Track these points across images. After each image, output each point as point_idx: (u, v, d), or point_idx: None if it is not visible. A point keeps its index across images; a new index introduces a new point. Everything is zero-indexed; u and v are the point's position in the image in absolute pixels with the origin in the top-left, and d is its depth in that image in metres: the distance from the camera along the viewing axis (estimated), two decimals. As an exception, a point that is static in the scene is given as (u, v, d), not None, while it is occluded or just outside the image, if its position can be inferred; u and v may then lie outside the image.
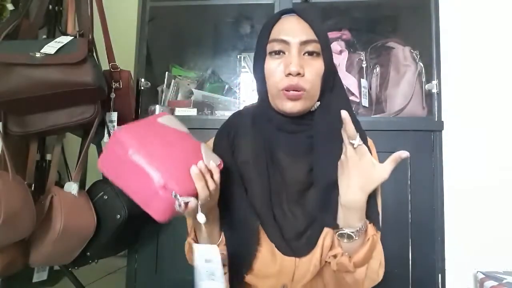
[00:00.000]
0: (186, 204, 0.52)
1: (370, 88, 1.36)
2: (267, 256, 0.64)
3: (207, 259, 0.55)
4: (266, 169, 0.66)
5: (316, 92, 0.64)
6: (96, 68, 1.04)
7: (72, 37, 1.04)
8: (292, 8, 0.67)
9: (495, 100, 1.25)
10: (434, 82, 1.26)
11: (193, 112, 1.36)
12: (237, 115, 0.75)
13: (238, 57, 1.58)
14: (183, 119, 0.81)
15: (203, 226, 0.61)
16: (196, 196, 0.54)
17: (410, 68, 1.30)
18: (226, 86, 1.57)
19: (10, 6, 1.26)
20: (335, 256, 0.63)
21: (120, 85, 1.18)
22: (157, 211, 0.52)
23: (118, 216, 1.09)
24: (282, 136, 0.67)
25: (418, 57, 1.31)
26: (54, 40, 1.00)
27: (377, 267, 0.63)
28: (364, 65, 1.36)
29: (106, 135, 1.17)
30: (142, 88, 1.37)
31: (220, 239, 0.66)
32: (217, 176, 0.57)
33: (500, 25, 1.27)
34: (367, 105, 1.32)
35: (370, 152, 0.59)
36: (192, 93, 1.44)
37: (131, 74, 1.25)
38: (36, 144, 1.12)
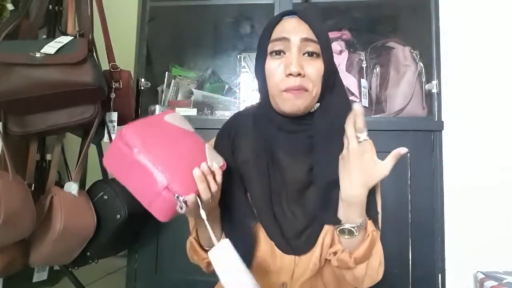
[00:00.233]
0: (186, 203, 0.52)
1: (370, 88, 1.36)
2: (267, 255, 0.65)
3: (226, 257, 0.53)
4: (266, 169, 0.67)
5: (316, 92, 0.64)
6: (96, 68, 1.04)
7: (72, 37, 1.04)
8: (293, 10, 0.67)
9: (495, 100, 1.25)
10: (434, 82, 1.26)
11: (193, 112, 1.36)
12: (238, 115, 0.75)
13: (238, 57, 1.59)
14: (183, 119, 0.81)
15: (206, 223, 0.61)
16: (198, 195, 0.54)
17: (410, 68, 1.30)
18: (226, 86, 1.57)
19: (10, 6, 1.26)
20: (335, 253, 0.63)
21: (120, 85, 1.19)
22: (159, 211, 0.53)
23: (118, 216, 1.09)
24: (282, 136, 0.68)
25: (418, 57, 1.31)
26: (54, 40, 1.00)
27: (377, 266, 0.63)
28: (364, 65, 1.36)
29: (106, 135, 1.17)
30: (142, 88, 1.37)
31: (221, 238, 0.67)
32: (219, 177, 0.58)
33: (500, 25, 1.27)
34: (367, 105, 1.32)
35: None
36: (192, 93, 1.45)
37: (131, 74, 1.25)
38: (36, 144, 1.12)
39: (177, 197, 0.51)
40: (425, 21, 1.30)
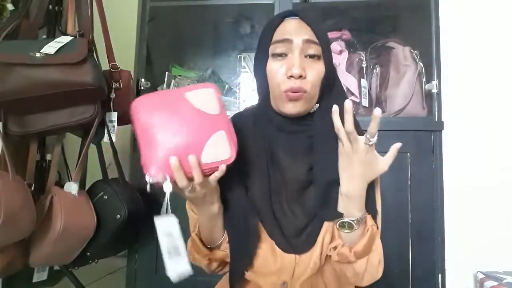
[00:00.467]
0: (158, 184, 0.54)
1: (370, 88, 1.36)
2: (268, 254, 0.65)
3: (168, 232, 0.56)
4: (266, 169, 0.67)
5: (316, 94, 0.65)
6: (96, 68, 1.04)
7: (72, 37, 1.04)
8: (294, 11, 0.68)
9: (495, 100, 1.25)
10: (434, 82, 1.26)
11: (193, 112, 1.36)
12: (238, 115, 0.76)
13: (238, 57, 1.59)
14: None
15: (206, 219, 0.63)
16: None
17: (410, 68, 1.30)
18: (226, 86, 1.57)
19: (10, 6, 1.26)
20: (335, 248, 0.64)
21: (120, 85, 1.19)
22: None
23: (118, 216, 1.09)
24: (282, 136, 0.69)
25: (418, 57, 1.32)
26: (54, 40, 1.00)
27: (376, 263, 0.64)
28: (364, 65, 1.36)
29: (106, 135, 1.17)
30: (142, 88, 1.37)
31: (224, 236, 0.67)
32: (216, 174, 0.56)
33: (500, 25, 1.27)
34: (367, 105, 1.32)
35: None
36: (192, 93, 1.44)
37: (131, 74, 1.25)
38: (36, 144, 1.12)
39: (148, 177, 0.53)
40: (425, 21, 1.31)
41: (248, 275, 0.66)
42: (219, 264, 0.71)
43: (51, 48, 0.96)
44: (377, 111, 0.57)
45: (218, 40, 1.70)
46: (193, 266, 0.73)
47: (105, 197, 1.12)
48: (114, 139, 1.18)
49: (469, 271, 1.19)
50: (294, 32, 0.64)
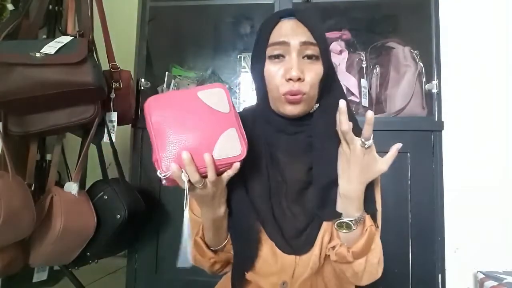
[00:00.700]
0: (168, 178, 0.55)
1: (370, 88, 1.36)
2: (268, 255, 0.65)
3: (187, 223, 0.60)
4: (265, 169, 0.67)
5: (315, 95, 0.65)
6: (96, 68, 1.04)
7: (72, 37, 1.04)
8: (291, 11, 0.67)
9: (495, 100, 1.25)
10: (434, 82, 1.26)
11: (193, 112, 1.36)
12: None
13: (238, 57, 1.58)
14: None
15: (211, 222, 0.63)
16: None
17: (410, 68, 1.30)
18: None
19: (10, 6, 1.26)
20: (333, 247, 0.64)
21: (120, 85, 1.19)
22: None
23: (118, 216, 1.09)
24: (281, 136, 0.68)
25: (418, 57, 1.31)
26: (54, 40, 1.00)
27: (376, 262, 0.64)
28: (364, 65, 1.36)
29: (106, 135, 1.17)
30: (142, 88, 1.37)
31: (227, 238, 0.68)
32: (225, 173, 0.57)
33: (500, 25, 1.27)
34: (367, 105, 1.32)
35: None
36: (192, 93, 1.44)
37: (131, 74, 1.25)
38: (36, 144, 1.12)
39: (160, 174, 0.55)
40: (425, 21, 1.30)
41: (249, 275, 0.66)
42: (222, 265, 0.71)
43: (51, 48, 0.96)
44: (369, 114, 0.55)
45: (218, 40, 1.70)
46: (193, 266, 0.73)
47: (105, 197, 1.12)
48: (114, 139, 1.18)
49: (469, 271, 1.19)
50: (291, 34, 0.63)
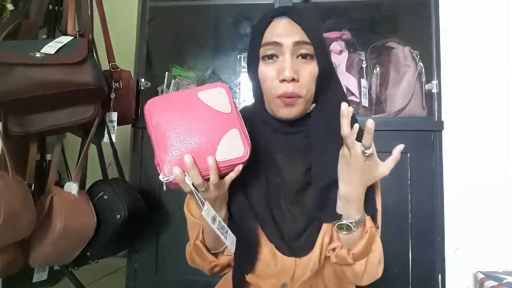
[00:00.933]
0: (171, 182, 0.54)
1: (370, 88, 1.36)
2: (268, 257, 0.65)
3: (212, 217, 0.58)
4: (264, 171, 0.67)
5: (311, 95, 0.64)
6: (96, 68, 1.04)
7: (72, 37, 1.04)
8: (283, 10, 0.65)
9: (495, 100, 1.25)
10: (434, 82, 1.26)
11: (193, 112, 1.36)
12: None
13: (238, 57, 1.58)
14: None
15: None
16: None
17: (410, 68, 1.30)
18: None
19: (10, 6, 1.26)
20: (334, 249, 0.63)
21: (120, 85, 1.19)
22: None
23: (118, 216, 1.09)
24: (279, 137, 0.68)
25: (418, 57, 1.31)
26: (54, 40, 1.00)
27: (376, 262, 0.63)
28: (364, 65, 1.36)
29: (106, 135, 1.17)
30: (142, 88, 1.37)
31: None
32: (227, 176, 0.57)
33: (499, 25, 1.27)
34: (367, 105, 1.32)
35: None
36: (192, 93, 1.44)
37: (131, 74, 1.25)
38: (36, 144, 1.12)
39: (162, 178, 0.54)
40: (425, 21, 1.30)
41: (249, 278, 0.66)
42: (222, 268, 0.71)
43: (51, 48, 0.96)
44: (369, 124, 0.54)
45: (218, 40, 1.70)
46: (193, 268, 0.73)
47: (105, 197, 1.12)
48: (114, 139, 1.18)
49: (469, 271, 1.19)
50: (284, 33, 0.62)
